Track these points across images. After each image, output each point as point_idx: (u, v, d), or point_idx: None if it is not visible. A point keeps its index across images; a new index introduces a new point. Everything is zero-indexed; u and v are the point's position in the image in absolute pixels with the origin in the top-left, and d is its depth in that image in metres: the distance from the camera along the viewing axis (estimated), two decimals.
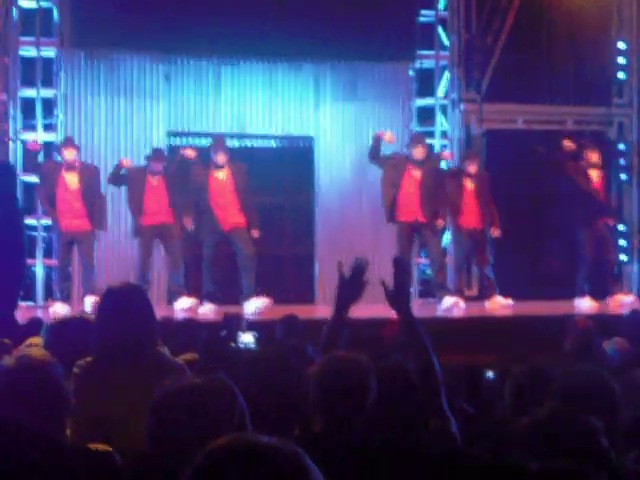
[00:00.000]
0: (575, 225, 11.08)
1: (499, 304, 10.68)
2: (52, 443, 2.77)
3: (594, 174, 11.14)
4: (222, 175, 10.26)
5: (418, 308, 10.28)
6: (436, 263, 10.73)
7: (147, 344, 3.74)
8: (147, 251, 10.33)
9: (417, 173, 10.52)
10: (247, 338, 6.57)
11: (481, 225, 10.82)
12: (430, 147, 11.25)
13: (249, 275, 10.14)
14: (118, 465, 2.82)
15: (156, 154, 10.50)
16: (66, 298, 10.25)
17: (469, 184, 10.92)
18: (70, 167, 10.15)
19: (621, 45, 12.67)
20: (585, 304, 10.79)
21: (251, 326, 7.37)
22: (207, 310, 10.02)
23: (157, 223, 10.27)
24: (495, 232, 10.87)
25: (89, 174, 10.27)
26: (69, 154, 10.19)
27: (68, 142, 10.38)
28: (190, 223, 10.26)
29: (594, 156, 11.13)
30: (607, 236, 11.21)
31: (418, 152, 10.55)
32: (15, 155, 10.99)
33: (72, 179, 10.13)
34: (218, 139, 10.69)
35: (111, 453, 2.90)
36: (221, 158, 10.24)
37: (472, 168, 10.94)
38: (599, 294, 11.04)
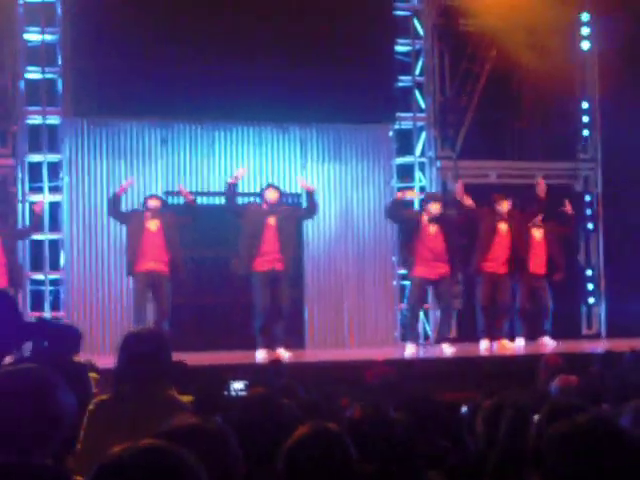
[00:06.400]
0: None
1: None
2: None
3: (503, 227, 11.31)
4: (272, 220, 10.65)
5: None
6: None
7: (159, 385, 3.99)
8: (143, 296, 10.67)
9: (433, 229, 10.92)
10: (238, 385, 7.04)
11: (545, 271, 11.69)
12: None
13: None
14: None
15: (152, 195, 10.96)
16: None
17: (537, 233, 11.64)
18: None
19: (585, 105, 13.23)
20: (483, 345, 11.18)
21: (242, 373, 7.87)
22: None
23: (150, 270, 10.49)
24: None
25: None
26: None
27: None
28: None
29: (505, 205, 11.31)
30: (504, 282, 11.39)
31: (434, 208, 10.95)
32: (23, 216, 11.53)
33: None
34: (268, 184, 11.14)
35: None
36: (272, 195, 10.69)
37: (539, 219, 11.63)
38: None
